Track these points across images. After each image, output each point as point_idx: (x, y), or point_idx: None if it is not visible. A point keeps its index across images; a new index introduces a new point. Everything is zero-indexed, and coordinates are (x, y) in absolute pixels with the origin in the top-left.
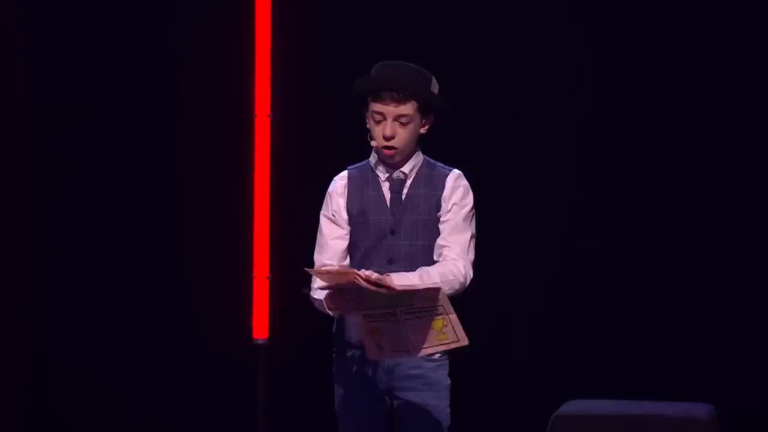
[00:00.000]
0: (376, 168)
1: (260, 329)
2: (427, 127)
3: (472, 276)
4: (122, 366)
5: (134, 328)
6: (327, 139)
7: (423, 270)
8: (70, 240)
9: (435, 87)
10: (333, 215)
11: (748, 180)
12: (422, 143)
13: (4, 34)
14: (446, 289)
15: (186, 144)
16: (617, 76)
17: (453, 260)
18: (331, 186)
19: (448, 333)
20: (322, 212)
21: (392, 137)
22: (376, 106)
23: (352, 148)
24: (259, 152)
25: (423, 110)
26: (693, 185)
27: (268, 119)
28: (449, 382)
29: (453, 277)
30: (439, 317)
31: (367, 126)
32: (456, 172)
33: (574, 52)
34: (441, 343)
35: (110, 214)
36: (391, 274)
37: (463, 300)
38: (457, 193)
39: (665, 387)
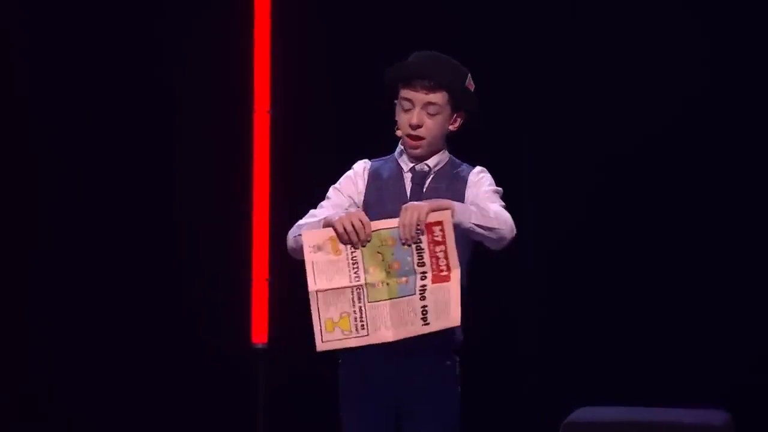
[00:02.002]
0: (400, 159)
1: (259, 333)
2: (457, 125)
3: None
4: (119, 371)
5: (130, 332)
6: (328, 136)
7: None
8: (65, 240)
9: (470, 85)
10: (343, 192)
11: (761, 185)
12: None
13: (3, 34)
14: (503, 228)
15: (184, 142)
16: (622, 81)
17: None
18: (353, 167)
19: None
20: (334, 185)
21: (419, 126)
22: (406, 93)
23: (355, 145)
24: (259, 150)
25: (454, 105)
26: (705, 190)
27: (268, 116)
28: (459, 389)
29: (509, 220)
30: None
31: (396, 117)
32: (479, 167)
33: (579, 58)
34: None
35: (106, 214)
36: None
37: (467, 305)
38: (481, 178)
39: (680, 393)
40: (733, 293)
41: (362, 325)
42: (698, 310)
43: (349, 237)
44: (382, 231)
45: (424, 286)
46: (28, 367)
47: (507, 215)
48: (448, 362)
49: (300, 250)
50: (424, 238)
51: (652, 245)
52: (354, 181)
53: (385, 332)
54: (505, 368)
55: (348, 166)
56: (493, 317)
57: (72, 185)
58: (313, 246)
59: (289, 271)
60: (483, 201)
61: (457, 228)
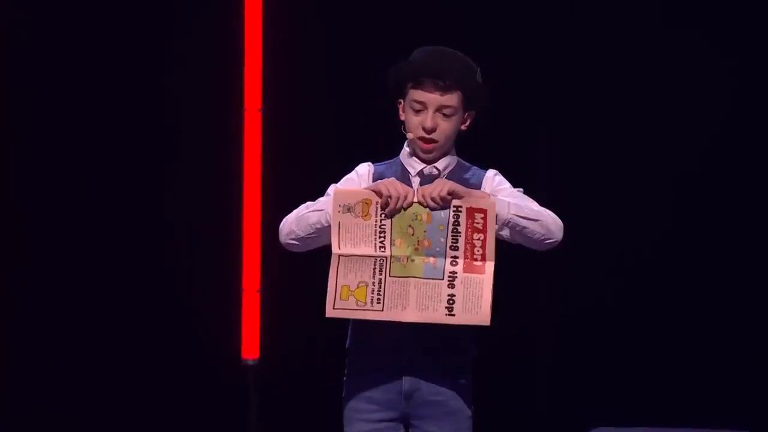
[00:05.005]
0: (406, 162)
1: (250, 348)
2: (468, 123)
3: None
4: (102, 388)
5: (114, 345)
6: (323, 136)
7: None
8: (46, 245)
9: (480, 79)
10: None
11: None
12: (458, 143)
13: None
14: (548, 221)
15: (173, 142)
16: (635, 73)
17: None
18: (356, 169)
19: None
20: (334, 184)
21: (433, 129)
22: (417, 94)
23: (351, 145)
24: (250, 150)
25: (467, 104)
26: (729, 205)
27: (260, 114)
28: (472, 412)
29: (555, 217)
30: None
31: (401, 117)
32: (492, 170)
33: (593, 50)
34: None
35: (91, 217)
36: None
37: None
38: (499, 183)
39: (699, 413)
40: (756, 311)
41: (378, 300)
42: (720, 329)
43: (391, 203)
44: (420, 207)
45: (453, 272)
46: (13, 376)
47: (551, 212)
48: (462, 381)
49: (303, 237)
50: (463, 221)
51: (672, 258)
52: (357, 183)
53: (402, 312)
54: (519, 386)
55: (344, 167)
56: (505, 334)
57: (54, 184)
58: (343, 206)
59: (282, 281)
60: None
61: (495, 222)
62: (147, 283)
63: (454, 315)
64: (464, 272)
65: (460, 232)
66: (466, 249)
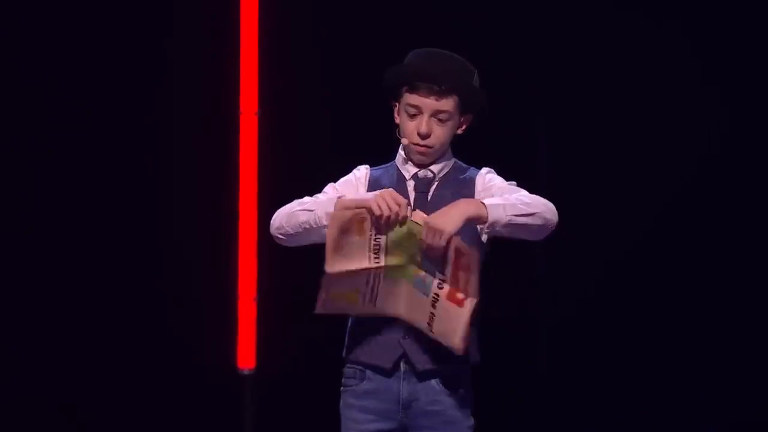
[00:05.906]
0: (401, 166)
1: (246, 358)
2: (464, 127)
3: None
4: (97, 398)
5: (109, 354)
6: (320, 140)
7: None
8: (40, 248)
9: (477, 82)
10: (339, 193)
11: None
12: (455, 145)
13: None
14: (544, 210)
15: (167, 146)
16: (635, 73)
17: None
18: (354, 171)
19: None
20: (332, 183)
21: (428, 135)
22: (412, 99)
23: (347, 149)
24: (246, 154)
25: (463, 107)
26: (726, 193)
27: (256, 118)
28: (473, 422)
29: (547, 202)
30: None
31: (396, 120)
32: (485, 168)
33: (594, 41)
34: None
35: (84, 222)
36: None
37: (480, 320)
38: (490, 180)
39: (702, 414)
40: (761, 322)
41: (371, 300)
42: (723, 328)
43: (382, 221)
44: (415, 225)
45: (437, 295)
46: (7, 384)
47: (542, 198)
48: (462, 390)
49: (292, 234)
50: (451, 253)
51: (674, 258)
52: (355, 185)
53: (395, 307)
54: (520, 395)
55: (340, 170)
56: (506, 343)
57: (45, 186)
58: (340, 227)
59: (279, 289)
60: (506, 193)
61: (495, 227)
62: (142, 291)
63: (432, 332)
64: (446, 299)
65: (448, 262)
66: (451, 279)
